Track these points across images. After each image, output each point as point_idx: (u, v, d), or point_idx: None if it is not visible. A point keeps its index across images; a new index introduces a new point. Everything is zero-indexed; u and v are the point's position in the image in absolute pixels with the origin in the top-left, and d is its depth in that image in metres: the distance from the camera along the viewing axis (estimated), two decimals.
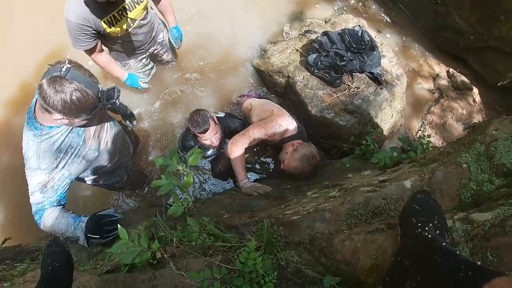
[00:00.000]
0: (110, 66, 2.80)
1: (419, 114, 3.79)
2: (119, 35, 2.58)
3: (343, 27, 3.28)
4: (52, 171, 1.85)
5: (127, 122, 2.89)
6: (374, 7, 4.37)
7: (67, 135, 1.85)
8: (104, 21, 2.35)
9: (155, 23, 2.93)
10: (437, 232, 1.05)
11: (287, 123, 2.64)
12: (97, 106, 1.70)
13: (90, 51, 2.54)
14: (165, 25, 3.16)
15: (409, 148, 2.46)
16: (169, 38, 3.18)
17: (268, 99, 3.35)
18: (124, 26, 2.53)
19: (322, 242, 1.55)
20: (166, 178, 1.39)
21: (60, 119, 1.67)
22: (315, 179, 2.55)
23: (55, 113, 1.62)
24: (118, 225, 1.48)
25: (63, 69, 1.55)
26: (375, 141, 2.70)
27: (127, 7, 2.43)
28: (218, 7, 4.02)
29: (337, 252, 1.44)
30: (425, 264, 0.89)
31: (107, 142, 2.16)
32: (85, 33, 2.33)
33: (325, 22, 3.73)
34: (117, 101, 1.73)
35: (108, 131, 2.17)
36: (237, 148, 2.52)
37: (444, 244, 0.94)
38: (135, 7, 2.49)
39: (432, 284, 0.83)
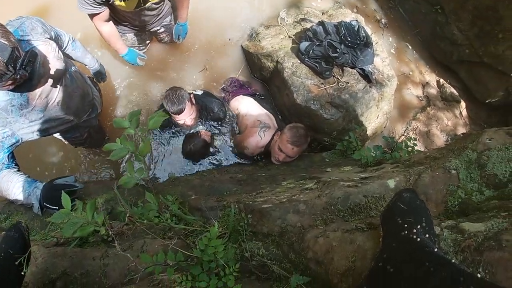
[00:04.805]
0: (112, 38, 2.65)
1: (404, 119, 3.71)
2: (126, 10, 2.43)
3: (340, 20, 3.14)
4: None
5: (95, 78, 2.72)
6: (374, 7, 4.25)
7: (7, 93, 1.71)
8: None
9: (165, 7, 2.80)
10: (427, 236, 0.91)
11: (257, 140, 2.75)
12: (6, 74, 1.49)
13: (94, 17, 2.36)
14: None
15: (392, 149, 2.35)
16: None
17: (253, 92, 3.32)
18: (134, 4, 2.37)
19: (292, 236, 1.41)
20: (121, 142, 1.20)
21: None
22: (292, 169, 2.43)
23: None
24: (62, 191, 1.31)
25: None
26: (357, 138, 2.59)
27: None
28: None
29: (309, 249, 1.30)
30: (414, 273, 0.75)
31: (57, 103, 1.99)
32: None
33: (322, 13, 3.59)
34: (27, 67, 1.54)
35: (61, 91, 1.99)
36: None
37: (436, 250, 0.80)
38: None
39: None
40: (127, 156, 2.81)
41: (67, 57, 2.18)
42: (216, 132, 3.14)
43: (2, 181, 1.80)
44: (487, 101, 3.83)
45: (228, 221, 1.57)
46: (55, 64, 1.89)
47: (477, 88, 3.93)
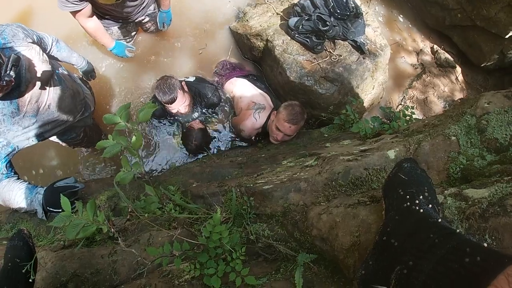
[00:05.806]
0: (98, 33, 2.62)
1: (400, 88, 3.68)
2: (108, 3, 2.39)
3: None
4: None
5: (84, 76, 2.68)
6: None
7: None
8: None
9: None
10: (430, 206, 0.89)
11: (252, 122, 2.74)
12: None
13: (77, 14, 2.32)
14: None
15: (390, 119, 2.34)
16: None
17: (246, 73, 3.26)
18: None
19: (296, 215, 1.41)
20: (113, 138, 1.19)
21: None
22: (291, 147, 2.42)
23: None
24: (61, 194, 1.30)
25: None
26: (354, 111, 2.57)
27: None
28: None
29: (313, 227, 1.30)
30: (419, 246, 0.74)
31: (48, 105, 1.97)
32: None
33: None
34: (11, 72, 1.53)
35: (50, 93, 1.97)
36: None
37: (440, 220, 0.79)
38: None
39: (430, 271, 0.67)
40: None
41: (53, 59, 2.15)
42: (213, 117, 3.11)
43: (3, 191, 1.80)
44: (482, 65, 3.79)
45: (231, 205, 1.56)
46: (41, 67, 1.87)
47: (471, 52, 3.89)
